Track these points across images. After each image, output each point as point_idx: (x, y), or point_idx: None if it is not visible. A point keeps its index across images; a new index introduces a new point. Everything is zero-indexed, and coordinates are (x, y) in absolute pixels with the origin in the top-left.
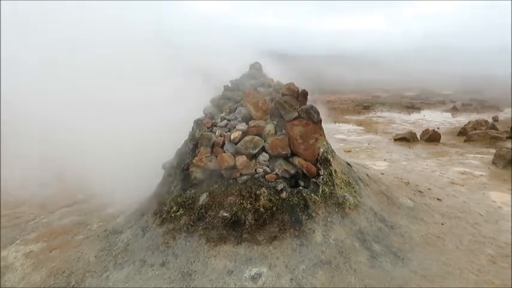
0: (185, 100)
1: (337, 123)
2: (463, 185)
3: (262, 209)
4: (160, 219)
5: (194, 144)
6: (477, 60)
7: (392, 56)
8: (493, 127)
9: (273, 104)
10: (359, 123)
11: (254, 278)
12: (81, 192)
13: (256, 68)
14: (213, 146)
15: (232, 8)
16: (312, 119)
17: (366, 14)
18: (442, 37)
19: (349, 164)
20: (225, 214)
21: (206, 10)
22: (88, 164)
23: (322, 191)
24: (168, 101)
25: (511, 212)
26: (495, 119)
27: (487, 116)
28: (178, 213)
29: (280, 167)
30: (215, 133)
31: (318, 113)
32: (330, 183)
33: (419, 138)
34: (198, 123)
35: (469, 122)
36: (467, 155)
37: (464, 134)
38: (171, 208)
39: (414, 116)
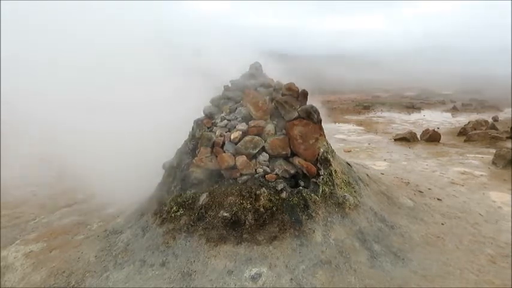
0: (185, 100)
1: (337, 123)
2: (463, 185)
3: (262, 209)
4: (161, 219)
5: (194, 144)
6: (477, 60)
7: (392, 56)
8: (493, 127)
9: (273, 104)
10: (359, 123)
11: (254, 278)
12: (81, 192)
13: (256, 68)
14: (213, 146)
15: (232, 8)
16: (312, 119)
17: (366, 14)
18: (442, 37)
19: (349, 164)
20: (225, 214)
21: (206, 10)
22: (88, 164)
23: (322, 191)
24: (168, 101)
25: (511, 212)
26: (495, 119)
27: (487, 116)
28: (178, 213)
29: (280, 167)
30: (215, 133)
31: (318, 113)
32: (330, 183)
33: (419, 138)
34: (198, 123)
35: (469, 122)
36: (467, 155)
37: (464, 134)
38: (171, 208)
39: (414, 116)
